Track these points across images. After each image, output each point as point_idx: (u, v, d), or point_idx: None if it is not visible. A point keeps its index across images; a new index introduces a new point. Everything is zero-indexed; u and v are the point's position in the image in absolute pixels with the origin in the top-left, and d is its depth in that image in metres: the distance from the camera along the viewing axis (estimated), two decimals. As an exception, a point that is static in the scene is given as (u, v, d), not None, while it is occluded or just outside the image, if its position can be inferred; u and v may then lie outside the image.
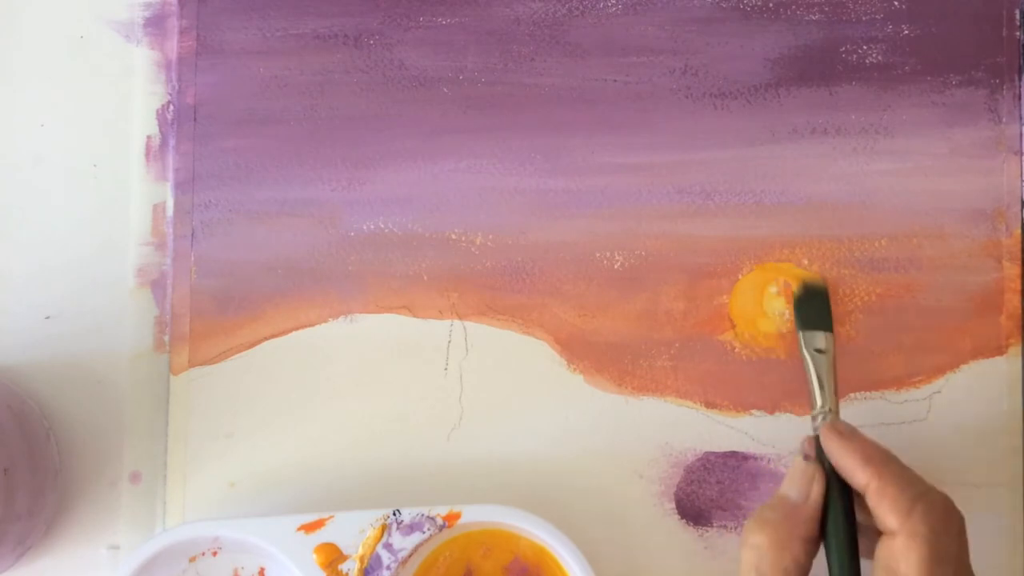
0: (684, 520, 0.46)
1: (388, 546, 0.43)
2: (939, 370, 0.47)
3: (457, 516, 0.43)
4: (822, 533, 0.40)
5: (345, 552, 0.43)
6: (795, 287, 0.45)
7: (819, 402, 0.43)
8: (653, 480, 0.46)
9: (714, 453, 0.46)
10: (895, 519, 0.37)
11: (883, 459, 0.39)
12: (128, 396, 0.47)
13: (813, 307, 0.45)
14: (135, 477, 0.47)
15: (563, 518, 0.44)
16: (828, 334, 0.44)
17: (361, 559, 0.43)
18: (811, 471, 0.40)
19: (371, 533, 0.43)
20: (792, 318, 0.45)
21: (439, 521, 0.43)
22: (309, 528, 0.43)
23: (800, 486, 0.40)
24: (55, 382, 0.47)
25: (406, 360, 0.47)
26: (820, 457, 0.41)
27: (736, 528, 0.46)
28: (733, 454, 0.46)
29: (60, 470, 0.47)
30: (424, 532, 0.43)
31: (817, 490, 0.40)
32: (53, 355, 0.47)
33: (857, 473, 0.39)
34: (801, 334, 0.44)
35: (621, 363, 0.47)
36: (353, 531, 0.43)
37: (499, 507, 0.43)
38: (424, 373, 0.47)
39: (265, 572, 0.45)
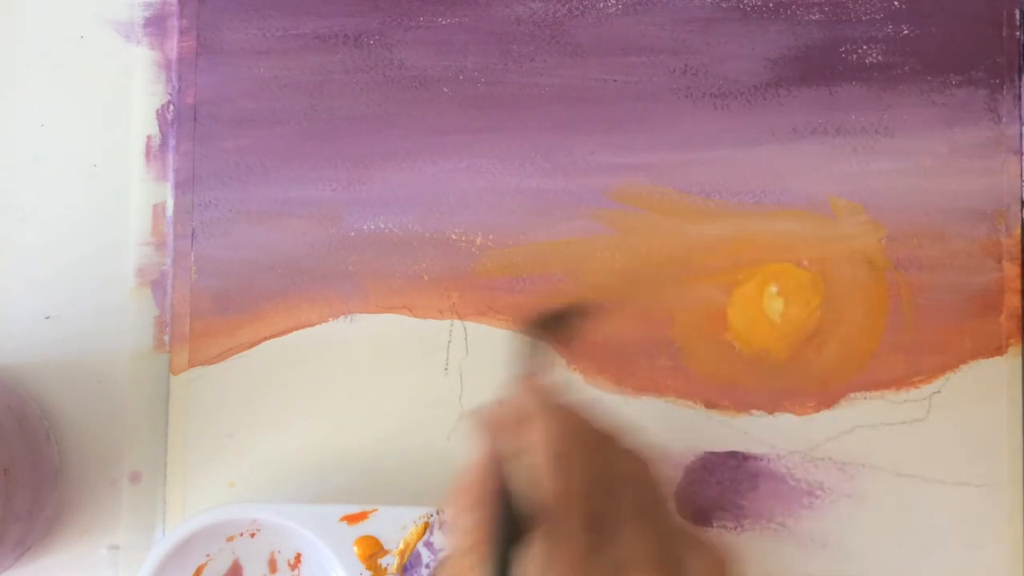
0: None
1: (429, 544, 0.43)
2: (939, 370, 0.47)
3: None
4: None
5: (386, 546, 0.43)
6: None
7: None
8: (653, 480, 0.46)
9: (714, 453, 0.46)
10: None
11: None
12: (128, 396, 0.47)
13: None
14: (135, 477, 0.47)
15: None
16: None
17: (401, 555, 0.43)
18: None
19: (413, 530, 0.43)
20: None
21: None
22: (352, 519, 0.43)
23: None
24: (55, 382, 0.47)
25: (406, 360, 0.47)
26: None
27: (736, 528, 0.46)
28: (733, 454, 0.46)
29: (60, 470, 0.47)
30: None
31: None
32: (53, 355, 0.47)
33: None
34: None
35: (621, 363, 0.47)
36: (395, 526, 0.43)
37: None
38: (424, 373, 0.47)
39: (302, 558, 0.45)
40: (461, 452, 0.47)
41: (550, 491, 0.32)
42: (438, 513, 0.43)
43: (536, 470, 0.32)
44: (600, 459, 0.33)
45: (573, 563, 0.31)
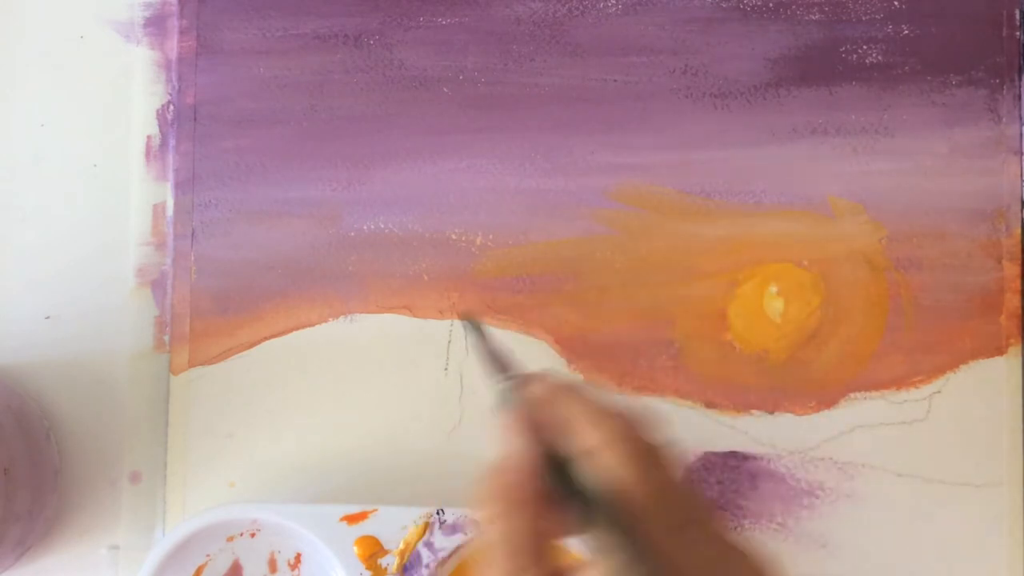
0: (684, 520, 0.46)
1: (429, 544, 0.43)
2: (939, 370, 0.47)
3: None
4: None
5: (386, 547, 0.43)
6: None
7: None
8: (653, 480, 0.46)
9: (714, 453, 0.46)
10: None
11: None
12: (128, 396, 0.47)
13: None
14: (135, 477, 0.47)
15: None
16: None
17: (401, 555, 0.43)
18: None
19: (413, 530, 0.43)
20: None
21: None
22: (352, 520, 0.43)
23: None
24: (55, 382, 0.47)
25: (406, 360, 0.47)
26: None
27: (736, 528, 0.46)
28: (733, 454, 0.46)
29: (60, 470, 0.47)
30: (466, 533, 0.43)
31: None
32: (53, 355, 0.47)
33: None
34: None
35: (621, 363, 0.47)
36: (395, 526, 0.43)
37: None
38: (424, 373, 0.47)
39: (302, 558, 0.45)
40: (461, 451, 0.47)
41: (640, 490, 0.31)
42: (439, 513, 0.43)
43: (615, 470, 0.32)
44: (669, 463, 0.33)
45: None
